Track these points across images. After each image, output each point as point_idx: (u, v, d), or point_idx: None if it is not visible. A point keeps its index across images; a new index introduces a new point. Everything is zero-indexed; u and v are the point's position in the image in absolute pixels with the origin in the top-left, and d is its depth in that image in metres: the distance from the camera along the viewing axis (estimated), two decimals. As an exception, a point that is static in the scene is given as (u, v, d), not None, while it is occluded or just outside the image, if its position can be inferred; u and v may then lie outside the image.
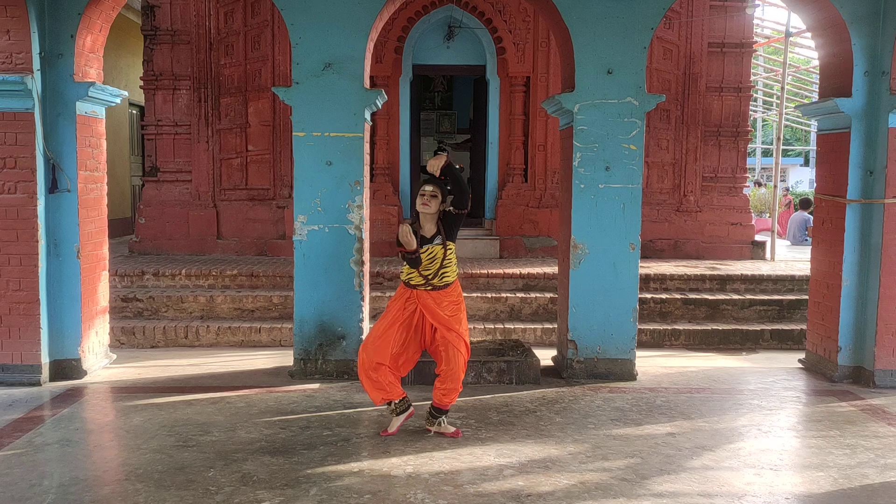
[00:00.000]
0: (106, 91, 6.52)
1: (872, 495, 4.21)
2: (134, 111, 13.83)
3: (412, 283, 4.96)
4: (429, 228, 4.97)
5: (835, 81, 6.69)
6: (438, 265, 4.92)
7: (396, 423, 5.06)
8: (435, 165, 4.90)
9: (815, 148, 8.38)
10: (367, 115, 6.55)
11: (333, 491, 4.13)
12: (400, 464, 4.54)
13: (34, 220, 6.08)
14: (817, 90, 7.53)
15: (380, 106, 6.78)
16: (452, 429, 5.09)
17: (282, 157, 10.16)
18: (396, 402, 5.03)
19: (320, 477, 4.32)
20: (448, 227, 4.98)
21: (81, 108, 6.31)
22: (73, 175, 6.25)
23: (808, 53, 19.68)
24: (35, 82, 5.99)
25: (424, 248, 4.91)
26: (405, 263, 4.97)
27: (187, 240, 10.31)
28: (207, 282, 8.74)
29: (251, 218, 10.35)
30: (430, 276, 4.91)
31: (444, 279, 4.94)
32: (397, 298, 5.03)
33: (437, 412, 5.06)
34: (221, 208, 10.39)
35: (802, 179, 34.29)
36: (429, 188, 4.90)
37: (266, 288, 8.68)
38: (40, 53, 6.06)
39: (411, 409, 5.12)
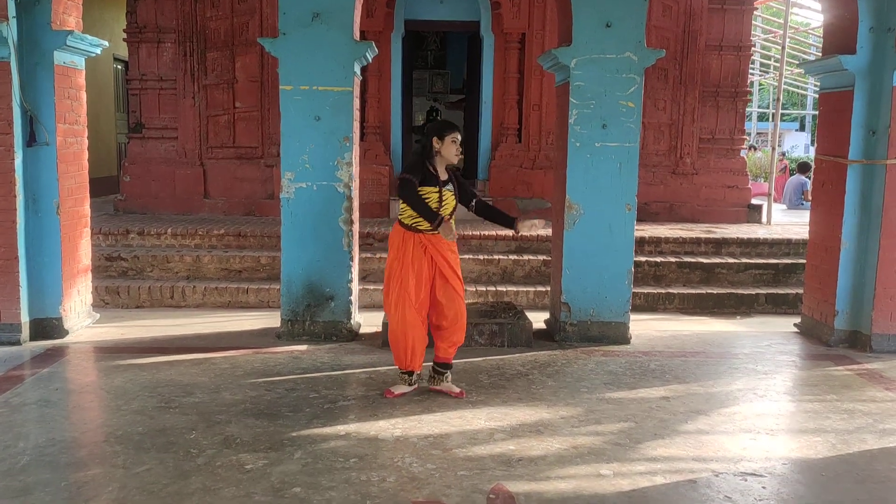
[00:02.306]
0: (85, 40, 6.26)
1: (871, 461, 4.13)
2: (119, 66, 13.49)
3: (422, 227, 4.78)
4: (442, 172, 4.87)
5: (839, 38, 6.49)
6: (451, 209, 4.87)
7: (404, 389, 4.96)
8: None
9: (811, 112, 8.21)
10: (357, 69, 6.33)
11: (319, 454, 4.01)
12: (388, 427, 4.43)
13: (11, 174, 5.86)
14: (816, 53, 7.31)
15: (370, 59, 6.56)
16: (458, 389, 5.01)
17: (270, 114, 9.89)
18: (417, 373, 4.98)
19: (306, 440, 4.20)
20: (461, 186, 4.97)
21: (60, 57, 6.06)
22: (51, 128, 6.02)
23: (807, 14, 19.34)
24: (10, 30, 5.73)
25: (441, 190, 4.81)
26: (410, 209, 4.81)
27: (173, 198, 10.08)
28: (194, 241, 8.55)
29: (239, 177, 10.11)
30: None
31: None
32: (404, 245, 4.83)
33: (443, 367, 5.01)
34: (208, 167, 10.14)
35: (798, 144, 34.01)
36: (459, 136, 4.86)
37: (254, 248, 8.50)
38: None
39: (417, 385, 5.04)
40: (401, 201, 4.83)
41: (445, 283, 4.87)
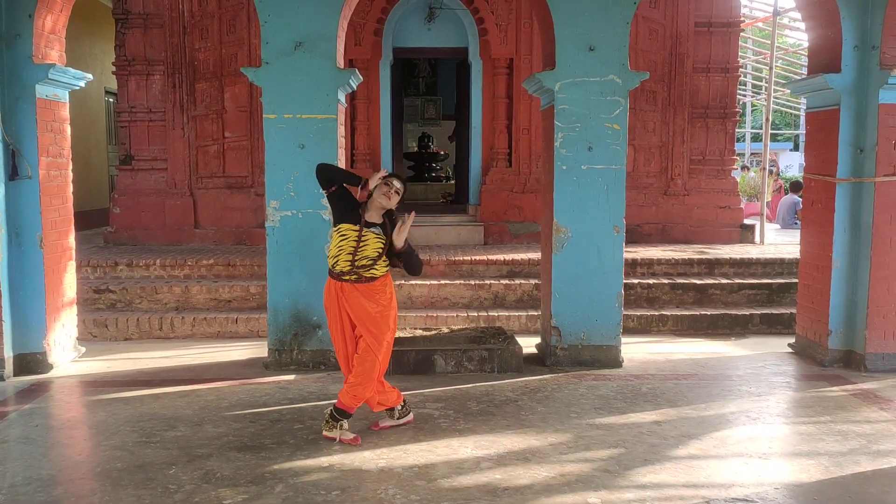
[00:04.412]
0: (67, 73, 6.26)
1: (865, 483, 4.04)
2: (110, 99, 13.51)
3: (337, 268, 4.57)
4: (372, 215, 4.61)
5: (824, 57, 6.49)
6: (373, 255, 4.56)
7: (390, 423, 4.86)
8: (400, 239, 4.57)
9: (804, 132, 8.21)
10: (341, 97, 6.32)
11: (300, 487, 3.92)
12: (372, 458, 4.34)
13: (-7, 208, 5.84)
14: (806, 72, 7.32)
15: (354, 87, 6.56)
16: (352, 435, 4.60)
17: (259, 143, 9.85)
18: (400, 406, 4.86)
19: (287, 473, 4.11)
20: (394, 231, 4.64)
21: (42, 91, 6.05)
22: (34, 161, 6.00)
23: (797, 36, 19.50)
24: (-9, 64, 5.74)
25: (363, 230, 4.55)
26: (336, 246, 4.58)
27: (164, 229, 10.03)
28: (183, 272, 8.49)
29: (229, 206, 10.08)
30: (358, 264, 4.54)
31: (372, 271, 4.57)
32: (329, 295, 4.68)
33: (339, 414, 4.59)
34: (198, 197, 10.11)
35: (792, 164, 34.16)
36: (398, 184, 4.61)
37: (243, 278, 8.43)
38: (-4, 34, 5.80)
39: (411, 416, 4.94)
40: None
41: (361, 336, 4.59)
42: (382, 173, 4.66)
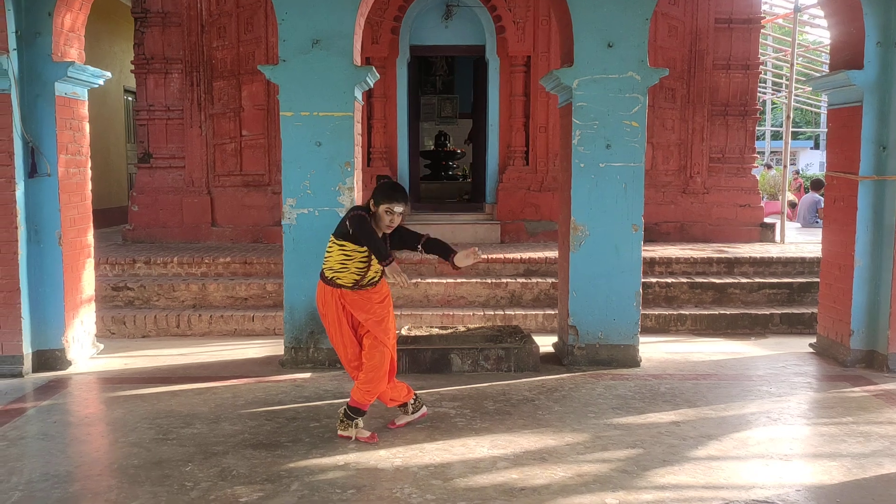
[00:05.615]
0: (86, 71, 6.28)
1: (888, 485, 3.98)
2: (130, 98, 13.59)
3: (338, 281, 4.53)
4: (378, 233, 4.52)
5: (846, 54, 6.39)
6: (380, 273, 4.58)
7: (406, 419, 4.85)
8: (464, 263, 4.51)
9: (825, 130, 8.10)
10: (358, 94, 6.31)
11: (315, 486, 3.91)
12: (388, 456, 4.32)
13: (13, 205, 5.86)
14: (827, 69, 7.22)
15: (371, 84, 6.54)
16: (368, 433, 4.59)
17: (276, 141, 9.84)
18: (412, 401, 4.85)
19: (303, 471, 4.10)
20: (395, 243, 4.61)
21: (61, 89, 6.08)
22: (52, 159, 6.02)
23: (817, 33, 19.29)
24: (11, 62, 5.76)
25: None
26: (338, 262, 4.51)
27: (181, 227, 10.08)
28: (200, 270, 8.52)
29: (246, 204, 10.11)
30: (361, 281, 4.53)
31: (370, 280, 4.58)
32: (325, 301, 4.61)
33: (353, 412, 4.57)
34: (216, 195, 10.15)
35: (812, 162, 33.86)
36: (400, 209, 4.44)
37: (260, 276, 8.45)
38: (16, 32, 5.82)
39: (424, 408, 4.93)
40: (326, 253, 4.61)
41: (368, 333, 4.59)
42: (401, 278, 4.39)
